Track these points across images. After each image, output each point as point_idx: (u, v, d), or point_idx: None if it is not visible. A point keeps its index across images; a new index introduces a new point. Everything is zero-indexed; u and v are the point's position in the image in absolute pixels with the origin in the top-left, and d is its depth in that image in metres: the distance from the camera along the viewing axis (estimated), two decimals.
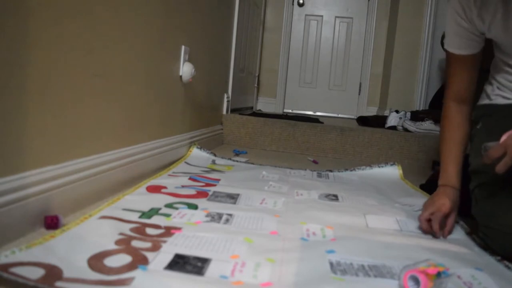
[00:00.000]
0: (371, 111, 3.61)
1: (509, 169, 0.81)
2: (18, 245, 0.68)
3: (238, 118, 2.37)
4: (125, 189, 1.10)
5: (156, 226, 0.84)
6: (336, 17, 3.76)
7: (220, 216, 0.94)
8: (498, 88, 1.05)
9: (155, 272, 0.63)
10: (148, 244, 0.73)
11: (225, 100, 2.43)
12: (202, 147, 1.77)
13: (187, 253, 0.71)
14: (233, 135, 2.36)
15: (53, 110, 0.84)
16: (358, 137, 2.26)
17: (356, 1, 3.70)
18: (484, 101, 1.10)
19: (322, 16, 3.77)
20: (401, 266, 0.68)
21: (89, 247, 0.70)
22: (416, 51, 3.26)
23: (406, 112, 2.54)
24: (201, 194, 1.12)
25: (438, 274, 0.64)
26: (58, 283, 0.56)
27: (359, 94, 3.75)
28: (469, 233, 0.98)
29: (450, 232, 0.96)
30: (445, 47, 1.08)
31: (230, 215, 0.95)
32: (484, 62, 1.09)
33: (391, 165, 1.72)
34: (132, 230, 0.80)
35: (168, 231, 0.81)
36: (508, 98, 1.03)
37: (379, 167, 1.71)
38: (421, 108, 3.17)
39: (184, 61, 1.59)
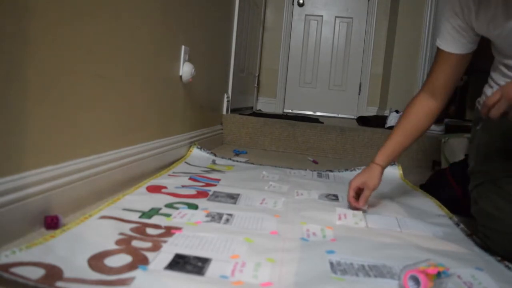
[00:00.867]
0: (371, 111, 3.61)
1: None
2: (18, 245, 0.68)
3: (238, 118, 2.37)
4: (125, 189, 1.10)
5: (157, 226, 0.84)
6: (336, 17, 3.76)
7: (220, 216, 0.94)
8: None
9: (156, 272, 0.63)
10: (148, 244, 0.73)
11: (225, 100, 2.43)
12: (202, 147, 1.77)
13: (187, 253, 0.71)
14: (233, 135, 2.36)
15: (53, 110, 0.84)
16: (358, 137, 2.26)
17: (356, 1, 3.70)
18: None
19: (322, 16, 3.77)
20: (401, 266, 0.68)
21: (90, 247, 0.70)
22: (416, 51, 3.26)
23: None
24: (201, 194, 1.12)
25: (438, 274, 0.64)
26: (58, 283, 0.56)
27: (359, 94, 3.75)
28: (469, 235, 0.98)
29: (363, 203, 1.07)
30: (436, 43, 1.10)
31: (230, 215, 0.95)
32: (481, 63, 1.09)
33: (391, 165, 1.72)
34: (132, 230, 0.80)
35: (169, 231, 0.81)
36: None
37: None
38: None
39: (184, 61, 1.59)
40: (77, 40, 0.90)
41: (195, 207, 0.99)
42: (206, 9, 1.88)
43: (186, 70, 1.59)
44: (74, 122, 0.91)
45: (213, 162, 1.65)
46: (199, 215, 0.93)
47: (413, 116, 1.13)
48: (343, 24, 3.76)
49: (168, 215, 0.91)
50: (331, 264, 0.72)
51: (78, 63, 0.91)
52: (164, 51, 1.44)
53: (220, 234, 0.81)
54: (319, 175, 1.58)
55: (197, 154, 1.71)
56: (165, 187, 1.15)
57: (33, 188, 0.77)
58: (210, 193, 1.14)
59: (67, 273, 0.59)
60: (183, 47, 1.58)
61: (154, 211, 0.93)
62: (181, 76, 1.59)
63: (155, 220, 0.88)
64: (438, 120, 2.46)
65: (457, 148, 1.79)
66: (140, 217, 0.89)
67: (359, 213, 1.06)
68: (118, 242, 0.73)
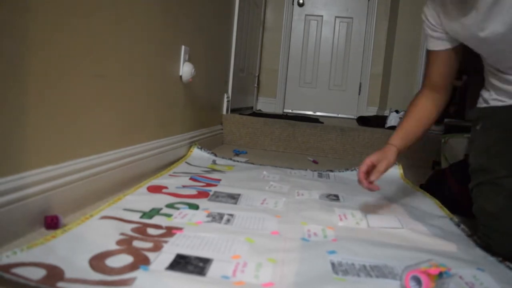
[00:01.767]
0: (371, 111, 3.61)
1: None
2: (18, 245, 0.67)
3: (238, 118, 2.37)
4: (125, 189, 1.10)
5: (157, 226, 0.83)
6: (336, 17, 3.76)
7: (221, 216, 0.94)
8: (495, 93, 1.06)
9: (157, 272, 0.63)
10: (149, 244, 0.73)
11: (225, 100, 2.43)
12: (202, 147, 1.77)
13: (188, 253, 0.71)
14: (233, 135, 2.36)
15: (53, 110, 0.84)
16: (358, 137, 2.26)
17: (356, 1, 3.70)
18: (482, 105, 1.11)
19: (322, 16, 3.77)
20: (402, 267, 0.68)
21: (91, 247, 0.69)
22: (416, 51, 3.26)
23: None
24: (202, 194, 1.12)
25: (440, 275, 0.64)
26: (59, 284, 0.56)
27: (359, 94, 3.75)
28: (470, 235, 0.98)
29: (376, 178, 1.03)
30: (426, 47, 1.15)
31: (231, 215, 0.95)
32: (481, 63, 1.10)
33: None
34: (133, 230, 0.80)
35: (169, 231, 0.81)
36: (504, 101, 1.04)
37: None
38: None
39: (184, 61, 1.59)
40: (77, 40, 0.90)
41: (196, 207, 0.99)
42: (206, 9, 1.88)
43: (186, 70, 1.59)
44: (74, 122, 0.91)
45: (214, 162, 1.64)
46: (200, 215, 0.93)
47: (421, 106, 1.14)
48: (343, 24, 3.75)
49: (169, 215, 0.91)
50: (332, 264, 0.72)
51: (78, 63, 0.91)
52: (164, 51, 1.43)
53: (221, 234, 0.81)
54: (320, 175, 1.58)
55: (198, 154, 1.70)
56: (166, 187, 1.15)
57: (33, 188, 0.77)
58: (211, 193, 1.14)
59: (68, 274, 0.59)
60: (183, 47, 1.58)
61: (155, 211, 0.93)
62: (181, 76, 1.59)
63: (156, 220, 0.88)
64: (438, 120, 2.46)
65: (457, 148, 1.79)
66: (141, 217, 0.89)
67: (359, 213, 1.05)
68: (119, 243, 0.73)
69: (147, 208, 0.94)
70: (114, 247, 0.71)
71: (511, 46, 0.93)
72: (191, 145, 1.74)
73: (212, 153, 1.75)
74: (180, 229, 0.83)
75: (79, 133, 0.94)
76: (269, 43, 3.73)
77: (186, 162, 1.56)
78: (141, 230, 0.80)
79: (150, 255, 0.69)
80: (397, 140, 1.10)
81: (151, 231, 0.81)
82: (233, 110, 2.58)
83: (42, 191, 0.79)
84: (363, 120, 2.80)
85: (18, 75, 0.73)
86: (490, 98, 1.07)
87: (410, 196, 1.34)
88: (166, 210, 0.95)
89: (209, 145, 1.99)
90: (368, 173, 1.04)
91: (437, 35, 1.08)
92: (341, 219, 1.00)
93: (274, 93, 3.80)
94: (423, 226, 1.00)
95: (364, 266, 0.72)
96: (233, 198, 1.11)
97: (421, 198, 1.32)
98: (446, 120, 2.42)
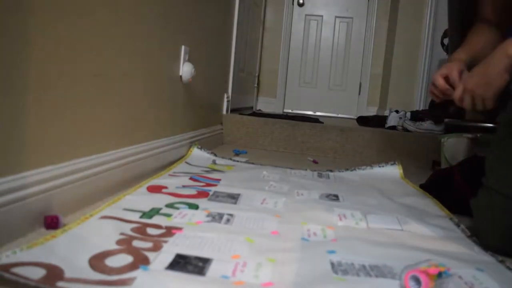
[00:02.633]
0: (371, 111, 3.61)
1: None
2: (18, 245, 0.68)
3: (238, 118, 2.37)
4: (125, 189, 1.10)
5: (157, 226, 0.84)
6: (336, 17, 3.76)
7: (221, 216, 0.94)
8: None
9: (157, 272, 0.63)
10: (149, 244, 0.73)
11: (225, 100, 2.43)
12: (202, 147, 1.77)
13: (188, 253, 0.71)
14: (233, 135, 2.36)
15: (53, 110, 0.84)
16: (358, 137, 2.26)
17: (356, 1, 3.70)
18: None
19: (322, 16, 3.78)
20: (402, 266, 0.68)
21: (90, 247, 0.69)
22: (416, 51, 3.26)
23: (406, 112, 2.55)
24: (202, 194, 1.12)
25: (440, 274, 0.64)
26: (59, 283, 0.56)
27: (359, 94, 3.75)
28: (469, 236, 0.98)
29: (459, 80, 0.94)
30: None
31: (231, 215, 0.95)
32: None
33: (392, 164, 1.72)
34: (133, 230, 0.80)
35: (169, 231, 0.81)
36: None
37: (380, 166, 1.71)
38: (421, 108, 3.17)
39: (184, 61, 1.59)
40: (77, 40, 0.90)
41: (195, 207, 0.99)
42: (206, 9, 1.88)
43: (186, 70, 1.59)
44: (74, 122, 0.91)
45: (214, 162, 1.65)
46: (199, 215, 0.93)
47: (479, 33, 1.05)
48: (343, 24, 3.76)
49: (168, 215, 0.91)
50: (332, 264, 0.72)
51: (78, 63, 0.91)
52: (164, 51, 1.44)
53: (221, 234, 0.81)
54: (320, 175, 1.58)
55: (198, 154, 1.71)
56: (166, 187, 1.15)
57: (33, 188, 0.77)
58: (211, 193, 1.14)
59: (68, 273, 0.59)
60: (183, 47, 1.58)
61: (155, 211, 0.93)
62: (181, 76, 1.59)
63: (155, 220, 0.88)
64: (438, 120, 2.46)
65: (457, 148, 1.79)
66: (141, 217, 0.89)
67: (358, 213, 1.06)
68: (119, 242, 0.73)
69: (147, 208, 0.94)
70: (114, 247, 0.71)
71: None
72: (191, 145, 1.74)
73: (212, 153, 1.76)
74: (179, 229, 0.83)
75: (79, 133, 0.94)
76: (269, 43, 3.73)
77: (186, 162, 1.57)
78: (141, 230, 0.81)
79: (150, 255, 0.69)
80: (462, 54, 1.00)
81: (150, 231, 0.81)
82: (233, 110, 2.58)
83: (42, 191, 0.79)
84: (363, 120, 2.80)
85: (18, 75, 0.73)
86: None
87: (410, 196, 1.34)
88: (166, 210, 0.95)
89: (209, 145, 1.99)
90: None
91: None
92: (340, 219, 1.00)
93: (274, 93, 3.80)
94: (422, 226, 1.00)
95: (364, 266, 0.72)
96: (233, 198, 1.11)
97: (421, 198, 1.32)
98: (446, 120, 2.42)
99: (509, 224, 0.89)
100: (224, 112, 2.41)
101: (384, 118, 2.65)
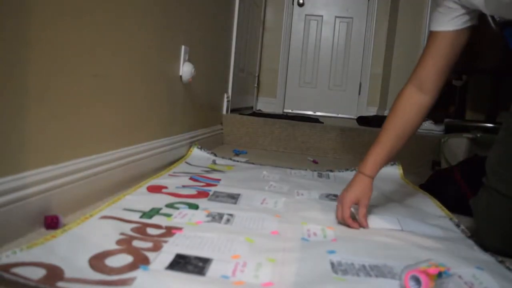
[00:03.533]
0: (371, 111, 3.61)
1: None
2: (18, 245, 0.67)
3: (238, 118, 2.37)
4: (125, 189, 1.10)
5: (157, 226, 0.83)
6: (336, 17, 3.76)
7: (221, 216, 0.94)
8: None
9: (157, 272, 0.63)
10: (149, 244, 0.73)
11: (225, 100, 2.43)
12: (202, 147, 1.77)
13: (188, 253, 0.71)
14: (233, 135, 2.36)
15: (53, 110, 0.84)
16: (358, 137, 2.26)
17: (356, 1, 3.70)
18: None
19: (322, 16, 3.77)
20: (402, 266, 0.68)
21: (90, 247, 0.69)
22: (416, 51, 3.25)
23: None
24: (202, 194, 1.12)
25: (439, 274, 0.64)
26: (59, 283, 0.56)
27: (359, 94, 3.75)
28: (469, 236, 0.98)
29: (366, 222, 0.98)
30: (430, 28, 1.02)
31: (231, 215, 0.95)
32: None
33: (392, 164, 1.72)
34: (133, 230, 0.80)
35: (169, 231, 0.81)
36: None
37: None
38: None
39: (184, 61, 1.59)
40: (77, 39, 0.90)
41: (195, 207, 0.99)
42: (206, 9, 1.88)
43: (186, 70, 1.59)
44: (74, 122, 0.91)
45: (214, 162, 1.65)
46: (199, 215, 0.93)
47: (402, 113, 1.05)
48: (343, 24, 3.75)
49: (168, 215, 0.91)
50: (332, 264, 0.72)
51: (78, 62, 0.91)
52: (164, 51, 1.44)
53: (221, 234, 0.81)
54: (320, 175, 1.58)
55: (198, 154, 1.70)
56: (166, 187, 1.15)
57: (33, 188, 0.77)
58: (211, 193, 1.14)
59: (68, 273, 0.59)
60: (183, 47, 1.58)
61: (155, 211, 0.93)
62: (181, 76, 1.59)
63: (155, 220, 0.88)
64: (438, 120, 2.46)
65: (457, 148, 1.79)
66: (141, 217, 0.89)
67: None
68: (119, 242, 0.73)
69: (147, 208, 0.94)
70: (114, 247, 0.71)
71: None
72: (191, 145, 1.74)
73: (212, 153, 1.76)
74: (179, 229, 0.83)
75: (79, 133, 0.94)
76: (269, 43, 3.73)
77: (186, 162, 1.57)
78: (141, 230, 0.81)
79: (150, 255, 0.69)
80: (372, 168, 1.03)
81: (150, 231, 0.81)
82: (233, 110, 2.58)
83: (42, 191, 0.79)
84: (363, 120, 2.80)
85: (18, 75, 0.73)
86: None
87: (410, 196, 1.34)
88: (166, 210, 0.95)
89: (209, 145, 1.99)
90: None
91: (451, 10, 0.94)
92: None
93: (274, 93, 3.80)
94: (423, 226, 1.00)
95: (364, 266, 0.72)
96: (233, 198, 1.11)
97: (421, 198, 1.32)
98: (446, 120, 2.42)
99: (509, 224, 0.89)
100: (224, 112, 2.41)
101: (384, 118, 2.64)
